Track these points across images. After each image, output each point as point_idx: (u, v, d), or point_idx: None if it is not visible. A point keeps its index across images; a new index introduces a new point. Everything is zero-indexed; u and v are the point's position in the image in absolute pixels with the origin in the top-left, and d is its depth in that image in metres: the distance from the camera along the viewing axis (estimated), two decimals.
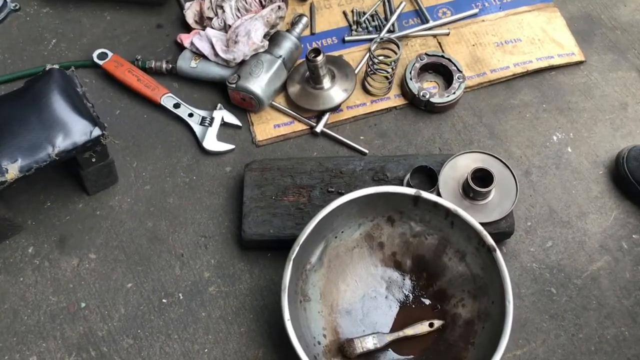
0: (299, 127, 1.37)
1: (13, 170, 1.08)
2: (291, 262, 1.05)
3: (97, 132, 1.13)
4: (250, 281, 1.21)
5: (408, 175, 1.23)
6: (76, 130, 1.12)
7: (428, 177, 1.23)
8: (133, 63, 1.40)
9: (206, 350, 1.16)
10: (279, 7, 1.36)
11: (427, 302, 1.17)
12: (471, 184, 1.18)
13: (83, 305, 1.19)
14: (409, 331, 1.13)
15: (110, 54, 1.40)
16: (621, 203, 1.29)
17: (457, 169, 1.24)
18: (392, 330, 1.14)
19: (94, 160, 1.18)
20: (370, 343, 1.10)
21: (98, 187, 1.28)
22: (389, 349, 1.13)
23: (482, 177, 1.20)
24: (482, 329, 1.08)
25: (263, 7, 1.39)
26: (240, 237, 1.22)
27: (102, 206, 1.28)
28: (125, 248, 1.24)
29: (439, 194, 1.22)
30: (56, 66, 1.18)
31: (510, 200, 1.21)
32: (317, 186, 1.25)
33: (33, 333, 1.16)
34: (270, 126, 1.37)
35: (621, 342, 1.16)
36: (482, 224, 1.18)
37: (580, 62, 1.46)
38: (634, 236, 1.26)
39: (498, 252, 1.05)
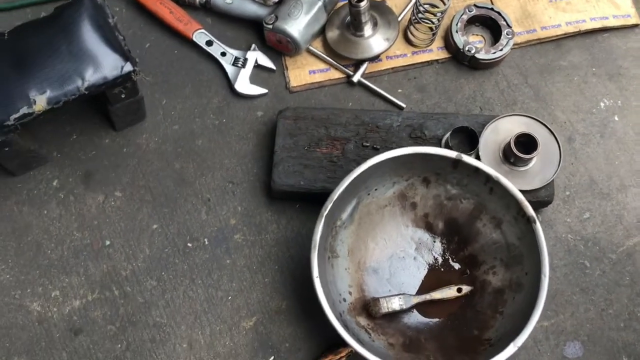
0: (335, 75, 1.31)
1: (41, 102, 1.04)
2: (323, 219, 1.02)
3: (128, 67, 1.08)
4: (277, 232, 1.19)
5: (447, 135, 1.18)
6: (107, 64, 1.07)
7: (468, 138, 1.18)
8: None
9: (230, 297, 1.14)
10: None
11: (457, 266, 1.14)
12: (514, 149, 1.13)
13: (107, 243, 1.17)
14: (436, 295, 1.11)
15: None
16: None
17: (499, 132, 1.19)
18: (419, 292, 1.12)
19: (123, 96, 1.14)
20: (396, 304, 1.08)
21: (126, 123, 1.24)
22: (414, 311, 1.11)
23: (525, 143, 1.15)
24: (512, 299, 1.06)
25: None
26: (269, 186, 1.18)
27: (129, 143, 1.24)
28: (151, 188, 1.21)
29: (478, 157, 1.17)
30: None
31: (552, 168, 1.16)
32: (352, 139, 1.20)
33: (56, 268, 1.15)
34: (305, 72, 1.31)
35: None
36: (521, 191, 1.14)
37: (636, 25, 1.37)
38: None
39: (538, 223, 1.02)
